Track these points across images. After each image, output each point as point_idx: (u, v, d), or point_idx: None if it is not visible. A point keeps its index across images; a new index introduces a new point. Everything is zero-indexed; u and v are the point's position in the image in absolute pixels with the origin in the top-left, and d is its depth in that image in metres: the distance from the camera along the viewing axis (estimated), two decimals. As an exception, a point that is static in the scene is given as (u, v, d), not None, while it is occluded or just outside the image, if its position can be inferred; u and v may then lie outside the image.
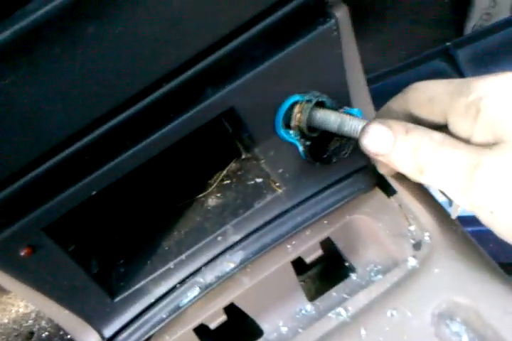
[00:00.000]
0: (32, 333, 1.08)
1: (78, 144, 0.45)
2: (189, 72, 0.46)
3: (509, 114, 0.42)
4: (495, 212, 0.43)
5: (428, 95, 0.48)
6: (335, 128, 0.52)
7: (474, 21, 1.72)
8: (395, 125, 0.48)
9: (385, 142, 0.47)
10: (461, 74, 1.19)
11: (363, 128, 0.49)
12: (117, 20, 0.39)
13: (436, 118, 0.49)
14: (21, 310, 1.10)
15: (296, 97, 0.54)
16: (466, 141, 0.45)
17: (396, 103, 0.53)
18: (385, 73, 1.22)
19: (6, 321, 1.08)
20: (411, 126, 0.47)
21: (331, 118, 0.53)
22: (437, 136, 0.45)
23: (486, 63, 1.18)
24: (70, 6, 0.37)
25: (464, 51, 1.19)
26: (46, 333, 1.07)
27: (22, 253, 0.50)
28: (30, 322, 1.09)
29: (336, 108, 0.55)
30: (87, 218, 0.65)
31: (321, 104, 0.54)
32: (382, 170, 0.58)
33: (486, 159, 0.42)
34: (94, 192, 0.50)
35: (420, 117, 0.50)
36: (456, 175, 0.44)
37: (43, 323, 1.09)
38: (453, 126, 0.46)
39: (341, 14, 0.52)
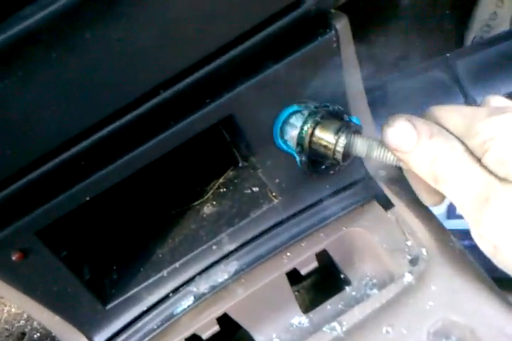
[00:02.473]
0: (24, 334, 1.07)
1: (74, 149, 0.45)
2: (188, 80, 0.46)
3: None
4: (499, 247, 0.43)
5: (440, 125, 0.47)
6: (363, 154, 0.50)
7: (474, 33, 1.72)
8: (422, 125, 0.45)
9: (407, 140, 0.45)
10: (460, 85, 1.20)
11: (388, 120, 0.47)
12: (115, 26, 0.39)
13: None
14: (13, 310, 1.09)
15: (295, 107, 0.53)
16: None
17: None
18: (384, 82, 1.22)
19: (-3, 321, 1.07)
20: (436, 129, 0.45)
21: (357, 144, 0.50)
22: (458, 147, 0.43)
23: (485, 75, 1.17)
24: (67, 11, 0.36)
25: (463, 62, 1.19)
26: (38, 334, 1.06)
27: (14, 258, 0.50)
28: (22, 322, 1.08)
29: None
30: (81, 224, 0.65)
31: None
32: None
33: (497, 194, 0.41)
34: (88, 198, 0.50)
35: None
36: (467, 201, 0.43)
37: (35, 324, 1.08)
38: None
39: (341, 25, 0.52)
